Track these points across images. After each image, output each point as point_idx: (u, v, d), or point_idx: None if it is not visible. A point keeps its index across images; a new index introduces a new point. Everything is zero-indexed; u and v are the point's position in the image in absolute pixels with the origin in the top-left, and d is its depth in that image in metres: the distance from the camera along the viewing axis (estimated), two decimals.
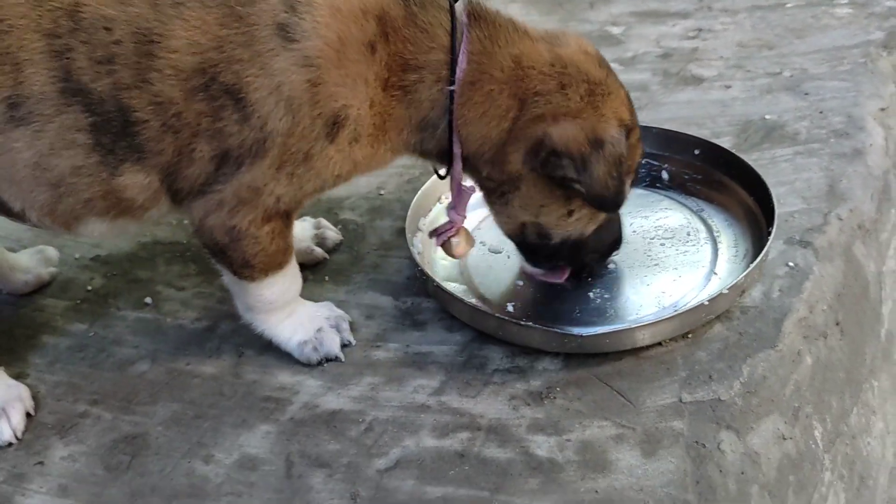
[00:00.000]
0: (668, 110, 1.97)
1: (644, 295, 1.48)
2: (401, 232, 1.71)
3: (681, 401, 1.29)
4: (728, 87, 2.05)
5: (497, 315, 1.41)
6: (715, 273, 1.51)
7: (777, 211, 1.50)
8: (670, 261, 1.55)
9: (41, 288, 1.67)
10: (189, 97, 1.22)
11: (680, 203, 1.68)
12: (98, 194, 1.29)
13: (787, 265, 1.50)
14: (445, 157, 1.36)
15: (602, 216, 1.41)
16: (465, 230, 1.48)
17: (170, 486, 1.27)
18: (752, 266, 1.42)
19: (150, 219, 1.37)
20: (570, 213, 1.38)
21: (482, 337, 1.45)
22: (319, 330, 1.43)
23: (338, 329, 1.45)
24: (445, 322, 1.49)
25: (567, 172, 1.29)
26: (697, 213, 1.65)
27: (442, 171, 1.44)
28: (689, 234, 1.60)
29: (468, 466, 1.24)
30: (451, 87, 1.28)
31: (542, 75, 1.29)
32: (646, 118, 1.79)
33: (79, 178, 1.27)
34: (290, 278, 1.41)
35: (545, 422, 1.29)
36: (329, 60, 1.22)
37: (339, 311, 1.48)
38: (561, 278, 1.50)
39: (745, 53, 2.18)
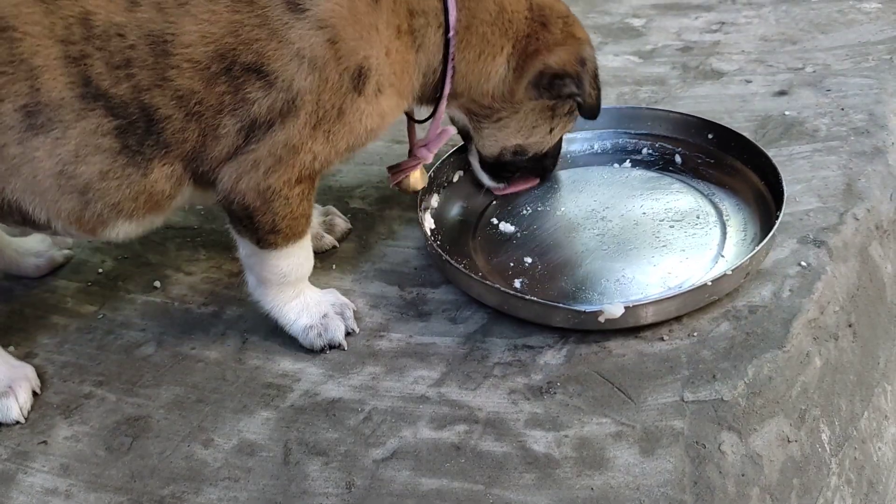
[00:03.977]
0: (685, 105, 1.94)
1: (650, 275, 1.47)
2: (410, 222, 1.71)
3: (682, 400, 1.27)
4: (748, 81, 2.01)
5: (508, 291, 1.42)
6: (722, 255, 1.50)
7: (792, 209, 1.47)
8: (678, 242, 1.54)
9: (54, 270, 1.69)
10: (210, 84, 1.25)
11: (691, 186, 1.68)
12: (128, 196, 1.30)
13: (800, 265, 1.47)
14: (431, 101, 1.48)
15: (563, 130, 1.64)
16: (422, 167, 1.64)
17: (169, 468, 1.28)
18: (758, 249, 1.40)
19: (174, 208, 1.39)
20: (551, 131, 1.59)
21: (485, 329, 1.44)
22: (325, 316, 1.44)
23: (342, 316, 1.45)
24: (450, 313, 1.49)
25: (571, 90, 1.48)
26: (708, 197, 1.64)
27: (424, 115, 1.53)
28: (698, 217, 1.59)
29: (464, 459, 1.23)
30: (451, 34, 1.39)
31: (527, 20, 1.46)
32: None
33: (108, 181, 1.28)
34: (305, 252, 1.43)
35: (544, 417, 1.28)
36: (342, 18, 1.26)
37: (344, 299, 1.48)
38: (530, 184, 1.71)
39: (767, 48, 2.14)
